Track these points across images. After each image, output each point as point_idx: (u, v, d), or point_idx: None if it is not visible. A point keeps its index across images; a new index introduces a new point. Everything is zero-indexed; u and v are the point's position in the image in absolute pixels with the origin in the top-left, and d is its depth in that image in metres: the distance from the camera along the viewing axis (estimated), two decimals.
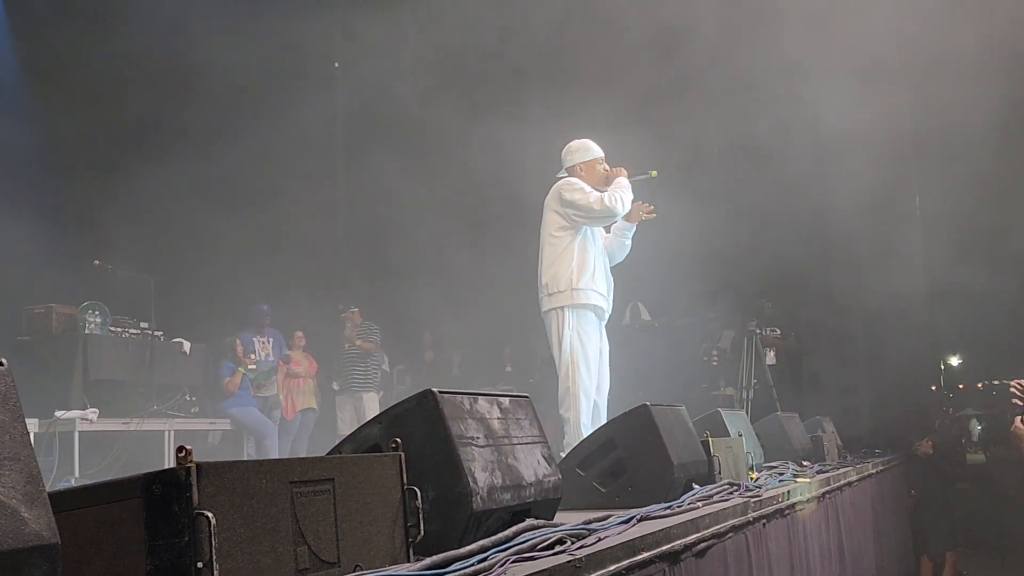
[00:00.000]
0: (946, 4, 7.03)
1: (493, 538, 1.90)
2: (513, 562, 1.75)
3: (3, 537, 1.04)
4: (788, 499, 3.81)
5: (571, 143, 5.23)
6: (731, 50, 8.10)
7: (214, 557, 1.27)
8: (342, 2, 9.79)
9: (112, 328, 7.29)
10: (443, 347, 10.35)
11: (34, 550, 1.08)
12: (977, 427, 9.42)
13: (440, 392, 2.10)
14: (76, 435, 6.33)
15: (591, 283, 4.96)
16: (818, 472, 4.91)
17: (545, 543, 1.92)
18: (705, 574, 2.66)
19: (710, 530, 2.73)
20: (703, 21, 7.57)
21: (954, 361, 10.64)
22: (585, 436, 3.89)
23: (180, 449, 1.31)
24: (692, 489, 3.21)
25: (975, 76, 7.23)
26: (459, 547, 1.81)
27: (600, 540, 2.07)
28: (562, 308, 4.92)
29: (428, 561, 1.66)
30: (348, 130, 11.27)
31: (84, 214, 7.81)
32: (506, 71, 9.35)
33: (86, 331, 7.08)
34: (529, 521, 2.10)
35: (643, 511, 2.60)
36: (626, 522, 2.36)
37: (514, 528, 2.00)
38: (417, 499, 1.82)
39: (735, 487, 3.38)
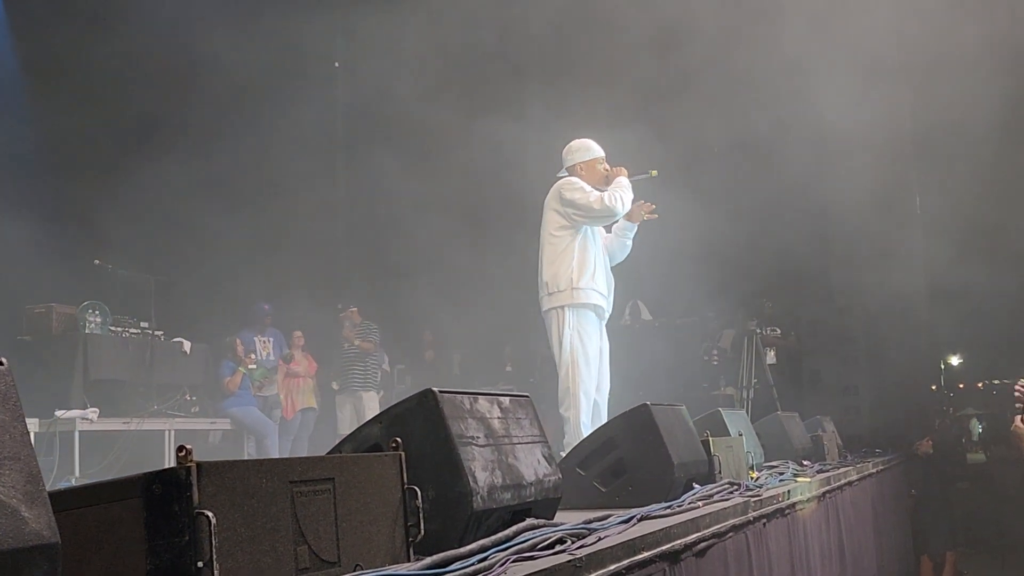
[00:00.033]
0: (946, 3, 7.03)
1: (493, 537, 1.90)
2: (513, 561, 1.75)
3: (3, 536, 1.04)
4: (788, 499, 3.81)
5: (572, 143, 5.23)
6: (731, 49, 8.09)
7: (214, 556, 1.27)
8: (342, 2, 9.80)
9: (112, 328, 7.29)
10: (443, 347, 10.35)
11: (34, 549, 1.08)
12: (977, 426, 9.43)
13: (440, 391, 2.09)
14: (76, 435, 6.33)
15: (591, 282, 4.96)
16: (818, 471, 4.91)
17: (545, 543, 1.92)
18: (705, 573, 2.66)
19: (710, 530, 2.73)
20: (703, 20, 7.57)
21: (954, 361, 10.64)
22: (585, 436, 3.89)
23: (180, 449, 1.31)
24: (692, 488, 3.21)
25: (975, 75, 7.22)
26: (459, 547, 1.81)
27: (600, 540, 2.07)
28: (562, 307, 4.92)
29: (428, 560, 1.66)
30: (348, 129, 11.27)
31: (84, 214, 7.81)
32: (506, 70, 9.36)
33: (86, 331, 7.08)
34: (529, 521, 2.10)
35: (643, 511, 2.59)
36: (626, 522, 2.36)
37: (514, 528, 2.00)
38: (417, 498, 1.81)
39: (735, 487, 3.38)
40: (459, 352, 10.43)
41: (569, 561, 1.82)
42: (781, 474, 4.35)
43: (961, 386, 10.55)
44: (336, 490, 1.60)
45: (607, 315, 5.14)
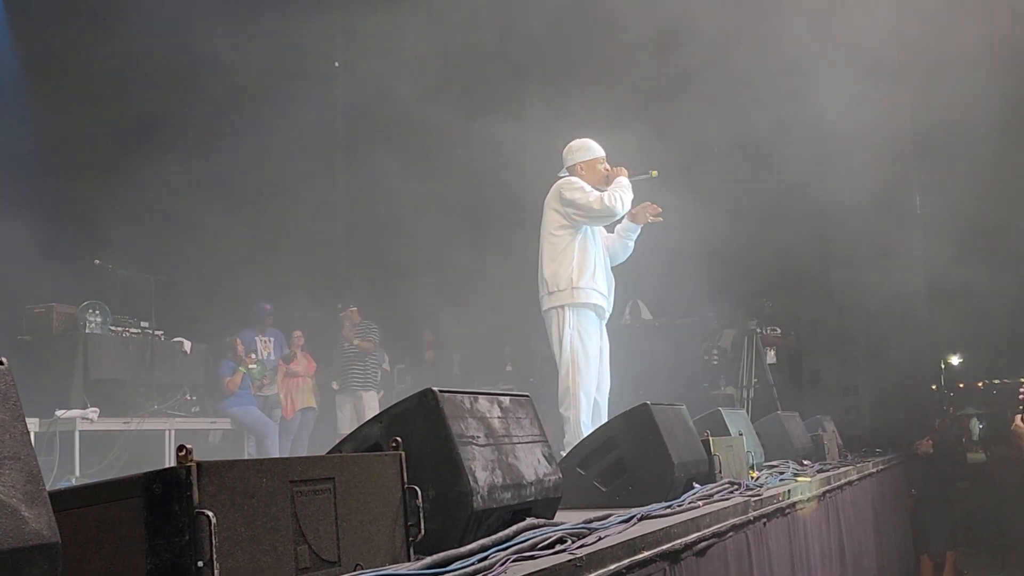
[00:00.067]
0: (946, 3, 7.03)
1: (493, 537, 1.90)
2: (513, 561, 1.75)
3: (3, 536, 1.04)
4: (789, 498, 3.81)
5: (572, 142, 5.23)
6: (731, 49, 8.09)
7: (214, 556, 1.27)
8: (342, 2, 9.80)
9: (112, 327, 7.29)
10: (443, 346, 10.35)
11: (34, 549, 1.08)
12: (977, 426, 9.42)
13: (440, 391, 2.09)
14: (77, 434, 6.33)
15: (591, 282, 4.96)
16: (818, 471, 4.91)
17: (545, 542, 1.92)
18: (706, 573, 2.66)
19: (711, 529, 2.73)
20: (703, 20, 7.57)
21: (954, 360, 10.64)
22: (585, 435, 3.89)
23: (180, 448, 1.31)
24: (692, 488, 3.21)
25: (976, 75, 7.22)
26: (459, 546, 1.81)
27: (601, 539, 2.07)
28: (562, 307, 4.92)
29: (428, 560, 1.66)
30: (348, 129, 11.27)
31: (84, 214, 7.81)
32: (506, 70, 9.36)
33: (86, 330, 7.08)
34: (529, 520, 2.10)
35: (643, 510, 2.59)
36: (626, 521, 2.35)
37: (514, 527, 2.00)
38: (417, 498, 1.81)
39: (736, 486, 3.38)
40: (459, 352, 10.43)
41: (569, 560, 1.82)
42: (781, 474, 4.35)
43: (961, 386, 10.54)
44: (336, 490, 1.60)
45: (607, 315, 5.14)
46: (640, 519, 2.45)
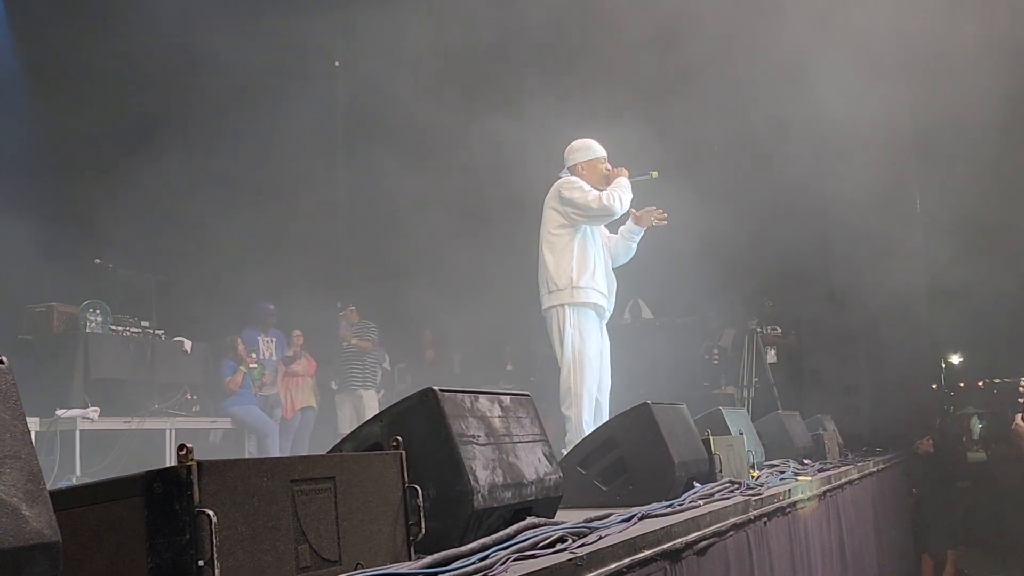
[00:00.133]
0: (947, 3, 7.03)
1: (494, 536, 1.90)
2: (514, 560, 1.75)
3: (4, 535, 1.04)
4: (789, 497, 3.81)
5: (573, 142, 5.23)
6: (731, 49, 8.09)
7: (215, 555, 1.27)
8: (342, 1, 9.79)
9: (113, 327, 7.29)
10: (444, 346, 10.35)
11: (35, 548, 1.08)
12: (978, 425, 9.42)
13: (441, 390, 2.09)
14: (77, 434, 6.34)
15: (591, 281, 4.96)
16: (819, 470, 4.91)
17: (546, 541, 1.92)
18: (706, 572, 2.66)
19: (711, 528, 2.73)
20: (703, 20, 7.56)
21: (955, 359, 10.64)
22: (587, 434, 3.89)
23: (181, 447, 1.31)
24: (693, 487, 3.21)
25: (976, 74, 7.22)
26: (460, 545, 1.81)
27: (601, 538, 2.07)
28: (562, 306, 4.93)
29: (429, 559, 1.66)
30: (348, 129, 11.27)
31: (85, 213, 7.81)
32: (506, 69, 9.35)
33: (87, 330, 7.08)
34: (530, 519, 2.10)
35: (644, 509, 2.59)
36: (627, 520, 2.35)
37: (515, 526, 2.00)
38: (418, 497, 1.81)
39: (736, 485, 3.38)
40: (460, 351, 10.44)
41: (570, 560, 1.82)
42: (782, 473, 4.35)
43: (962, 385, 10.54)
44: (337, 489, 1.60)
45: (608, 315, 5.14)
46: (641, 518, 2.45)
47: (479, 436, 2.13)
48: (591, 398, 4.90)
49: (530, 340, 8.99)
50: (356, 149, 10.82)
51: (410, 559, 1.76)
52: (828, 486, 4.69)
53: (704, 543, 2.62)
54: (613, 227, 5.31)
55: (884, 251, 8.55)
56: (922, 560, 7.85)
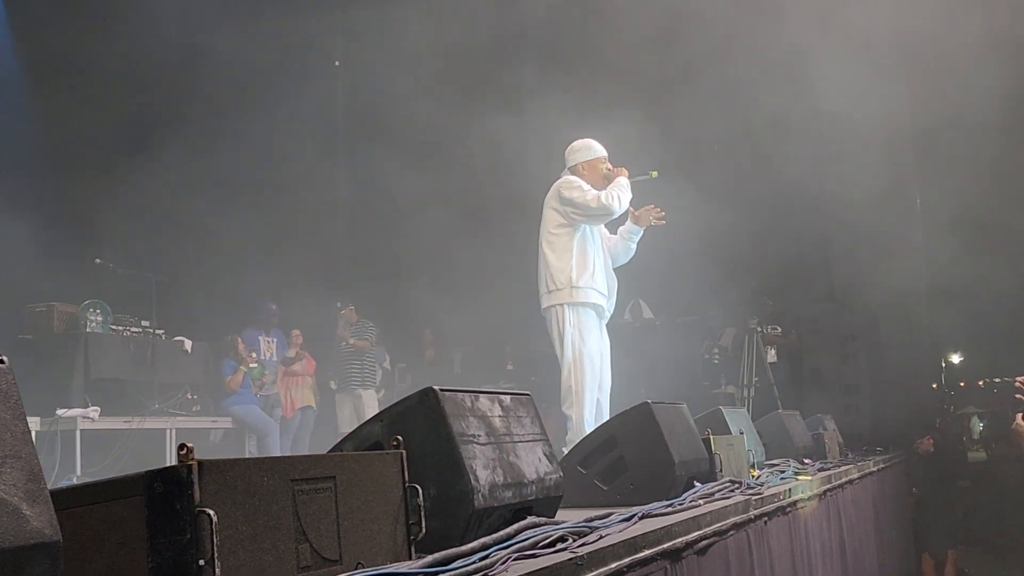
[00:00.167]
0: (947, 1, 7.02)
1: (494, 536, 1.90)
2: (515, 560, 1.75)
3: (5, 534, 1.04)
4: (789, 497, 3.81)
5: (574, 142, 5.24)
6: (732, 47, 8.09)
7: (216, 555, 1.27)
8: (342, 1, 9.79)
9: (113, 326, 7.29)
10: (444, 345, 10.35)
11: (36, 547, 1.08)
12: (978, 425, 9.42)
13: (441, 390, 2.09)
14: (78, 433, 6.34)
15: (591, 281, 4.97)
16: (819, 470, 4.91)
17: (546, 541, 1.92)
18: (707, 572, 2.66)
19: (712, 528, 2.73)
20: (703, 18, 7.56)
21: (955, 359, 10.63)
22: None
23: (181, 447, 1.31)
24: (693, 487, 3.21)
25: (977, 73, 7.22)
26: (461, 545, 1.81)
27: (602, 538, 2.07)
28: (561, 305, 4.93)
29: (430, 559, 1.66)
30: (348, 128, 11.27)
31: (85, 213, 7.81)
32: (506, 67, 9.34)
33: (87, 329, 7.08)
34: (530, 519, 2.10)
35: (644, 509, 2.59)
36: (627, 520, 2.35)
37: (515, 526, 2.00)
38: (419, 497, 1.81)
39: (736, 485, 3.38)
40: (460, 351, 10.44)
41: (570, 559, 1.82)
42: (782, 472, 4.35)
43: (962, 384, 10.53)
44: (337, 488, 1.60)
45: (608, 315, 5.14)
46: (641, 518, 2.45)
47: (479, 436, 2.13)
48: (592, 398, 4.90)
49: (530, 340, 8.98)
50: (356, 149, 10.82)
51: (410, 558, 1.76)
52: (828, 485, 4.70)
53: (705, 542, 2.62)
54: (612, 227, 5.32)
55: (884, 250, 8.55)
56: (922, 559, 7.86)
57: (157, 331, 7.59)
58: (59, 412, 6.34)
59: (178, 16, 7.87)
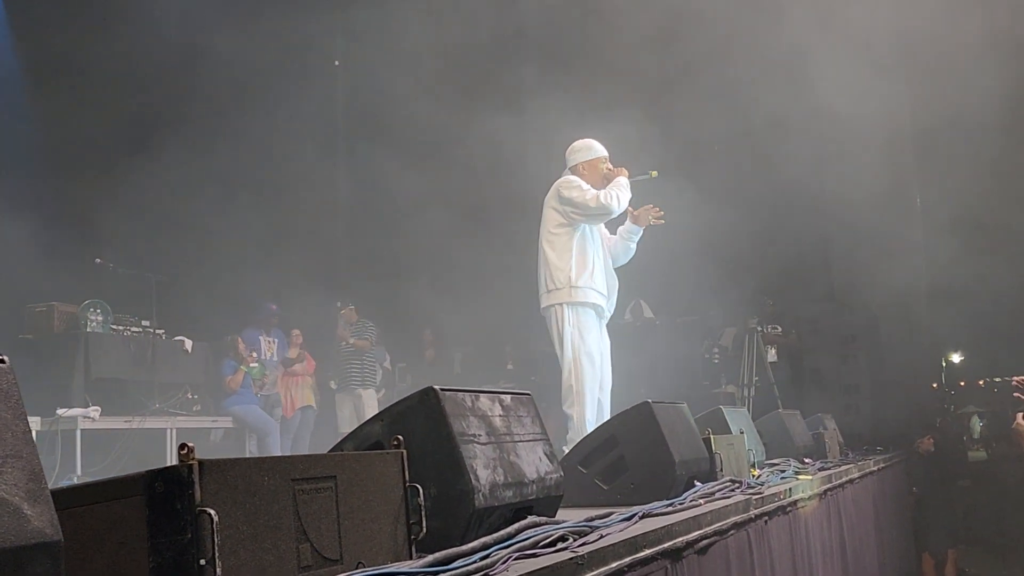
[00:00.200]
0: (947, 1, 7.02)
1: (495, 535, 1.90)
2: (515, 559, 1.75)
3: (6, 534, 1.04)
4: (790, 496, 3.81)
5: (575, 143, 5.24)
6: (732, 46, 8.09)
7: (216, 554, 1.27)
8: (341, 1, 9.79)
9: (114, 326, 7.29)
10: (444, 345, 10.35)
11: (37, 547, 1.08)
12: (978, 424, 9.41)
13: (442, 389, 2.09)
14: (78, 433, 6.34)
15: (590, 281, 4.97)
16: (820, 469, 4.91)
17: (547, 540, 1.92)
18: (707, 571, 2.66)
19: (712, 527, 2.73)
20: (703, 17, 7.56)
21: (955, 358, 10.63)
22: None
23: (182, 447, 1.31)
24: (694, 486, 3.21)
25: (976, 73, 7.22)
26: (461, 544, 1.81)
27: (602, 537, 2.07)
28: (560, 305, 4.93)
29: (430, 558, 1.66)
30: (348, 128, 11.27)
31: (85, 212, 7.81)
32: (506, 68, 9.34)
33: (88, 329, 7.08)
34: (531, 518, 2.10)
35: (645, 508, 2.59)
36: (628, 519, 2.35)
37: (516, 525, 2.00)
38: (419, 496, 1.81)
39: (737, 484, 3.38)
40: (460, 350, 10.44)
41: (571, 559, 1.82)
42: (782, 472, 4.35)
43: (962, 384, 10.52)
44: (338, 488, 1.60)
45: (607, 315, 5.14)
46: (641, 517, 2.45)
47: (480, 435, 2.13)
48: (593, 397, 4.90)
49: (531, 339, 8.98)
50: (356, 148, 10.82)
51: (411, 558, 1.76)
52: (829, 485, 4.70)
53: (705, 542, 2.62)
54: (612, 227, 5.32)
55: (884, 250, 8.55)
56: (923, 559, 7.85)
57: (157, 331, 7.59)
58: (59, 412, 6.34)
59: (178, 16, 7.87)
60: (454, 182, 9.43)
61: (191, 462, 1.29)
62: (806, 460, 5.15)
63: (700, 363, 9.09)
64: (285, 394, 8.63)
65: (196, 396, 7.76)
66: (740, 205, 8.47)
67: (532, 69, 9.27)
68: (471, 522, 1.99)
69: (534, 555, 1.80)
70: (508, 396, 2.43)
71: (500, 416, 2.30)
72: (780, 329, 8.92)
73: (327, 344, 9.15)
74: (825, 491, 4.58)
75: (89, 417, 6.49)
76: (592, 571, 1.88)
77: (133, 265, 7.57)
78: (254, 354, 8.20)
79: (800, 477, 4.29)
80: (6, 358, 1.16)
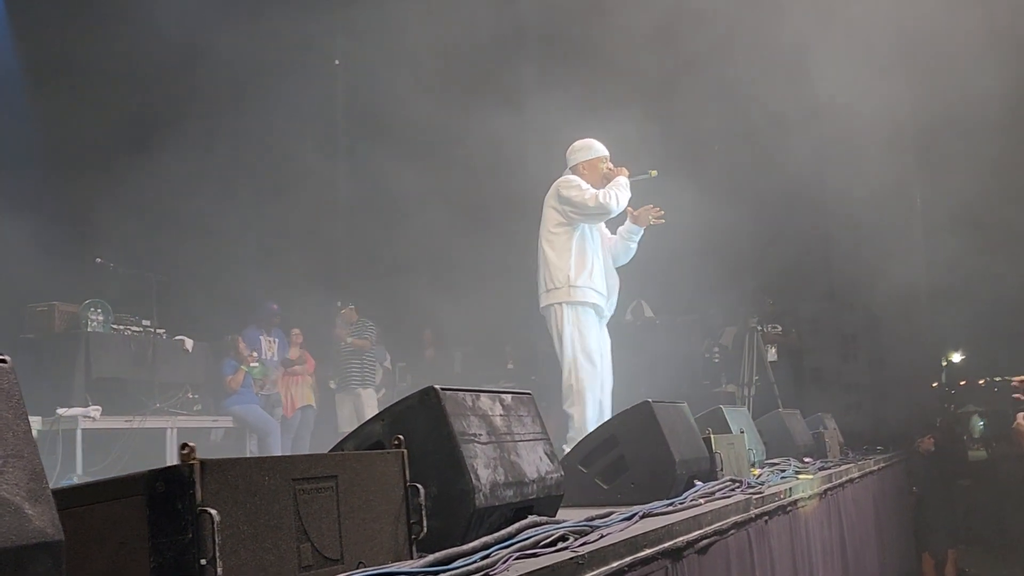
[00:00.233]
0: None
1: (495, 535, 1.90)
2: (516, 559, 1.75)
3: (7, 534, 1.04)
4: (790, 496, 3.81)
5: (575, 142, 5.25)
6: (732, 45, 8.09)
7: (217, 554, 1.27)
8: (342, 1, 9.79)
9: (114, 326, 7.29)
10: (444, 344, 10.35)
11: (38, 547, 1.08)
12: (979, 424, 9.41)
13: (442, 389, 2.09)
14: (79, 433, 6.34)
15: (589, 281, 4.97)
16: (820, 469, 4.91)
17: (547, 540, 1.92)
18: (707, 571, 2.66)
19: (712, 527, 2.73)
20: (703, 15, 7.56)
21: (956, 358, 10.63)
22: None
23: (183, 446, 1.31)
24: (694, 486, 3.21)
25: (977, 71, 7.21)
26: (462, 544, 1.81)
27: (602, 537, 2.07)
28: (560, 304, 4.93)
29: (431, 558, 1.66)
30: (348, 126, 11.27)
31: (85, 212, 7.81)
32: (506, 67, 9.34)
33: (88, 329, 7.08)
34: (531, 518, 2.10)
35: (645, 508, 2.59)
36: (628, 519, 2.35)
37: (516, 525, 2.00)
38: (420, 496, 1.81)
39: (737, 484, 3.38)
40: (460, 350, 10.44)
41: (571, 558, 1.82)
42: (783, 471, 4.35)
43: (963, 383, 10.53)
44: (339, 488, 1.60)
45: (607, 315, 5.14)
46: (642, 517, 2.45)
47: (480, 435, 2.13)
48: (594, 396, 4.90)
49: (531, 339, 8.98)
50: (356, 147, 10.82)
51: (412, 558, 1.76)
52: (829, 484, 4.70)
53: (705, 542, 2.63)
54: (612, 227, 5.31)
55: (885, 249, 8.56)
56: (923, 559, 7.86)
57: (158, 330, 7.59)
58: (60, 411, 6.34)
59: (178, 16, 7.86)
60: (454, 181, 9.43)
61: (192, 462, 1.29)
62: (806, 459, 5.15)
63: (700, 362, 9.09)
64: (285, 394, 8.63)
65: (196, 396, 7.76)
66: (740, 204, 8.47)
67: (532, 68, 9.27)
68: (472, 522, 1.99)
69: (534, 555, 1.80)
70: (508, 396, 2.43)
71: (501, 416, 2.30)
72: (780, 328, 8.92)
73: (327, 344, 9.15)
74: (825, 491, 4.59)
75: (90, 417, 6.49)
76: (592, 571, 1.88)
77: (133, 265, 7.57)
78: (255, 354, 8.20)
79: (800, 477, 4.29)
80: (7, 358, 1.16)
